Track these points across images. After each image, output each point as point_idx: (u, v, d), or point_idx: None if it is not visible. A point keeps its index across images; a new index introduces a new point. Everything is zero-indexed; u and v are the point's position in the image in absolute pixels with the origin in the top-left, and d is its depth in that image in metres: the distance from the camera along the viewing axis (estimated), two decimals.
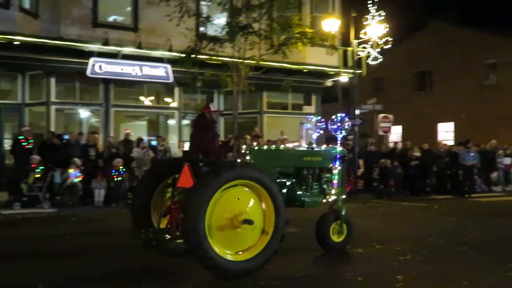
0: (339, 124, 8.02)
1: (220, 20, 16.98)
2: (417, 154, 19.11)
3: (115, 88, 18.10)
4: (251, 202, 6.65)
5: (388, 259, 7.36)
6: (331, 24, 19.88)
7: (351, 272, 6.64)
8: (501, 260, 7.25)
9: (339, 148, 8.10)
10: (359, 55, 21.21)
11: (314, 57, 20.20)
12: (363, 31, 20.96)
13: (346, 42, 21.72)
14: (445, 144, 21.29)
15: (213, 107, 7.56)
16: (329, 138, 8.20)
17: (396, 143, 22.51)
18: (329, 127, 8.13)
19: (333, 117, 8.14)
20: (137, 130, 18.56)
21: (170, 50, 17.66)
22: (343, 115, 8.20)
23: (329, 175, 8.02)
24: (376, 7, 20.70)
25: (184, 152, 8.22)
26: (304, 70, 20.44)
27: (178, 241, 6.67)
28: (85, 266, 7.10)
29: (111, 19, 18.33)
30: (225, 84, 16.61)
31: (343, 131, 8.05)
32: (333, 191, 7.97)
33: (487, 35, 31.80)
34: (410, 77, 35.62)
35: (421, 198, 17.18)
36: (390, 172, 18.25)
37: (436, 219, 12.08)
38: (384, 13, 20.55)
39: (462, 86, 31.68)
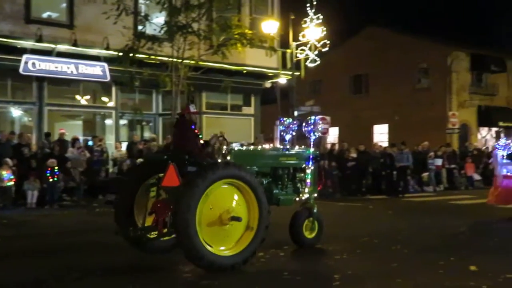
0: (312, 127, 8.35)
1: (159, 19, 16.84)
2: (354, 155, 19.51)
3: (50, 86, 17.57)
4: (237, 199, 6.92)
5: (325, 258, 7.47)
6: (270, 26, 20.07)
7: (288, 271, 6.68)
8: (433, 258, 7.49)
9: (312, 149, 8.42)
10: (297, 57, 21.49)
11: (253, 59, 20.30)
12: (301, 33, 21.26)
13: (285, 44, 21.98)
14: (380, 146, 21.85)
15: (193, 108, 7.64)
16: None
17: (333, 144, 22.90)
18: (303, 129, 8.44)
19: (307, 119, 8.49)
20: (73, 129, 18.07)
21: (107, 48, 17.32)
22: (317, 118, 8.51)
23: (302, 174, 8.33)
24: (314, 11, 21.04)
25: (168, 152, 8.52)
26: (244, 71, 20.51)
27: (164, 238, 7.01)
28: (16, 269, 6.84)
29: (45, 15, 17.81)
30: (164, 84, 16.46)
31: (316, 133, 8.37)
32: (306, 190, 8.29)
33: (419, 41, 32.96)
34: (347, 80, 36.42)
35: (357, 198, 17.53)
36: (328, 173, 18.52)
37: (372, 219, 12.37)
38: (322, 17, 20.91)
39: (396, 89, 32.67)
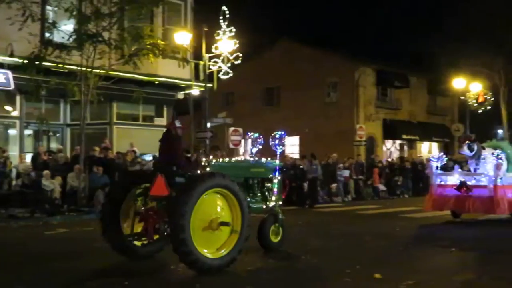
0: (277, 141, 9.26)
1: (68, 26, 16.29)
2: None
3: None
4: (222, 206, 7.60)
5: (238, 270, 7.49)
6: (183, 37, 20.01)
7: (201, 283, 6.64)
8: (340, 266, 7.71)
9: (277, 161, 9.25)
10: (210, 69, 21.56)
11: (166, 69, 20.10)
12: (214, 45, 21.36)
13: (198, 55, 21.98)
14: (291, 158, 22.26)
15: (178, 123, 8.19)
16: None
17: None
18: (270, 142, 9.31)
19: (273, 134, 9.40)
20: None
21: (12, 55, 16.53)
22: (282, 133, 9.40)
23: (269, 184, 9.05)
24: (227, 23, 21.23)
25: (154, 163, 9.06)
26: (156, 82, 20.25)
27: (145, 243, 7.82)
28: None
29: None
30: (72, 93, 15.94)
31: (282, 147, 9.28)
32: (273, 198, 8.99)
33: (329, 56, 34.08)
34: (259, 92, 36.93)
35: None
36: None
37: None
38: (234, 29, 21.13)
39: (307, 102, 33.52)
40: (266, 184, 9.03)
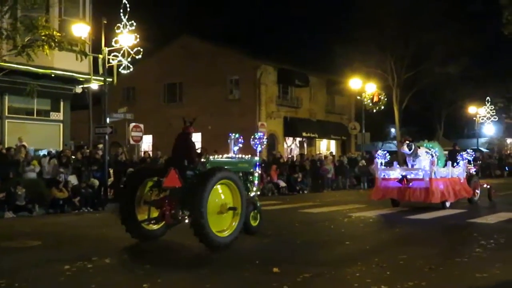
0: (257, 140, 10.99)
1: None
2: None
3: None
4: (227, 194, 9.24)
5: (135, 268, 7.38)
6: (81, 29, 19.29)
7: (96, 283, 6.46)
8: (239, 261, 7.79)
9: (257, 158, 10.82)
10: (110, 63, 20.96)
11: (63, 62, 19.31)
12: (114, 39, 20.79)
13: (97, 49, 21.29)
14: None
15: (192, 128, 9.93)
16: None
17: (146, 152, 22.74)
18: (251, 142, 11.07)
19: (254, 135, 11.13)
20: None
21: None
22: (261, 133, 11.24)
23: (250, 177, 10.49)
24: (127, 17, 20.73)
25: (167, 159, 10.27)
26: (52, 75, 19.39)
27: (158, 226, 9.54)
28: None
29: None
30: None
31: (261, 146, 10.99)
32: (254, 188, 10.52)
33: (231, 53, 34.30)
34: (161, 88, 36.48)
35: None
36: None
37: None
38: (135, 23, 20.67)
39: (209, 99, 33.53)
40: (248, 177, 10.42)
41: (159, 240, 9.61)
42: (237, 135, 11.12)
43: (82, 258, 7.78)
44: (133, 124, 22.20)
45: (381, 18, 32.20)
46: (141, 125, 22.22)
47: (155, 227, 9.58)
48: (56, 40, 15.62)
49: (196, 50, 34.27)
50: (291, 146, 37.08)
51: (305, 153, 32.70)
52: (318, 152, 34.39)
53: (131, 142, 22.13)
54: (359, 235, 10.75)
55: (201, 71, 33.73)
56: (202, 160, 9.55)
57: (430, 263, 7.61)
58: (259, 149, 10.82)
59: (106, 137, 19.20)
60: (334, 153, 33.24)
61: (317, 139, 38.59)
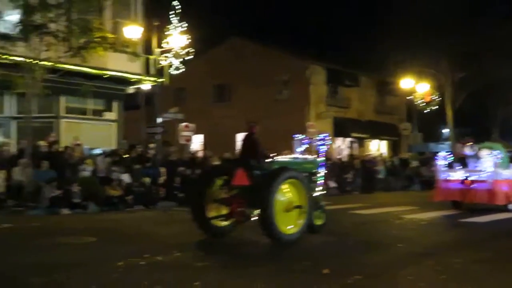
0: (322, 142, 10.88)
1: (12, 17, 15.81)
2: (217, 163, 19.68)
3: None
4: (294, 192, 9.57)
5: (187, 266, 7.44)
6: (133, 31, 19.71)
7: (149, 280, 6.56)
8: (288, 263, 7.76)
9: (322, 158, 10.80)
10: (161, 64, 21.32)
11: (115, 63, 19.75)
12: (165, 40, 21.13)
13: (148, 50, 21.68)
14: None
15: (257, 129, 10.23)
16: None
17: (194, 152, 22.96)
18: (314, 143, 11.15)
19: (318, 136, 11.06)
20: None
21: None
22: (326, 134, 11.04)
23: (315, 177, 10.60)
24: (178, 18, 21.03)
25: (235, 159, 11.09)
26: (105, 76, 19.86)
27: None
28: None
29: None
30: (17, 85, 15.49)
31: (324, 146, 10.90)
32: (318, 188, 10.57)
33: (280, 53, 34.26)
34: (210, 88, 36.79)
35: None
36: (191, 180, 18.51)
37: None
38: (186, 25, 20.95)
39: (258, 99, 33.59)
40: (312, 177, 10.52)
41: (218, 238, 9.90)
42: (302, 136, 11.60)
43: (135, 255, 7.91)
44: (183, 124, 22.47)
45: (436, 16, 31.44)
46: (191, 125, 22.46)
47: (225, 223, 9.97)
48: (109, 41, 16.02)
49: (245, 50, 34.41)
50: (340, 147, 36.74)
51: (355, 153, 32.33)
52: (368, 153, 33.96)
53: (181, 141, 22.39)
54: (411, 238, 10.52)
55: (250, 71, 33.84)
56: (269, 160, 9.97)
57: (487, 268, 7.39)
58: (323, 149, 10.93)
59: (158, 136, 19.56)
60: (385, 154, 32.75)
61: (367, 140, 38.12)
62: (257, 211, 9.18)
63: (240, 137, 34.89)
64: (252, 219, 9.47)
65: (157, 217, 14.36)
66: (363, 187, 24.30)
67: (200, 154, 22.20)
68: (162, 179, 17.97)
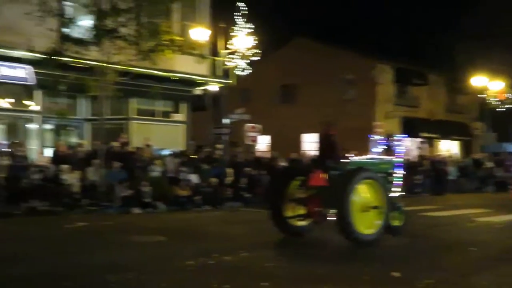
0: (399, 142, 11.25)
1: (86, 22, 16.39)
2: (283, 163, 19.73)
3: None
4: (370, 192, 9.50)
5: (255, 266, 7.47)
6: (200, 33, 20.02)
7: (218, 280, 6.62)
8: (359, 265, 7.64)
9: (398, 158, 10.77)
10: (227, 65, 21.54)
11: (183, 65, 20.14)
12: (231, 42, 21.34)
13: (215, 51, 21.97)
14: (305, 153, 22.20)
15: (334, 130, 10.29)
16: None
17: (261, 153, 23.05)
18: (390, 143, 11.37)
19: (394, 136, 11.45)
20: None
21: (31, 50, 16.63)
22: (405, 135, 10.40)
23: (391, 177, 10.42)
24: (244, 20, 21.19)
25: (312, 159, 10.97)
26: (173, 78, 20.28)
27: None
28: None
29: None
30: (90, 88, 16.05)
31: (402, 147, 11.15)
32: (395, 189, 10.36)
33: (346, 53, 33.86)
34: (276, 89, 36.82)
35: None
36: (257, 180, 18.63)
37: None
38: (252, 26, 21.08)
39: (324, 99, 33.30)
40: (388, 178, 10.39)
41: (295, 237, 9.99)
42: (378, 137, 11.83)
43: (203, 254, 8.01)
44: (250, 124, 22.61)
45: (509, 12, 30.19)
46: (258, 125, 22.57)
47: (302, 223, 10.08)
48: (177, 44, 16.34)
49: (311, 51, 34.21)
50: (409, 147, 35.87)
51: (425, 154, 31.50)
52: (438, 153, 33.02)
53: (247, 142, 22.54)
54: (484, 241, 10.14)
55: (316, 71, 33.62)
56: (345, 160, 10.08)
57: None
58: (400, 150, 11.05)
59: (225, 137, 19.78)
60: (456, 154, 31.74)
61: (437, 140, 37.05)
62: (333, 211, 9.24)
63: (306, 137, 35.13)
64: (329, 219, 9.50)
65: (224, 217, 14.53)
66: (433, 189, 23.64)
67: (266, 154, 22.26)
68: (229, 180, 18.15)
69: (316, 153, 10.55)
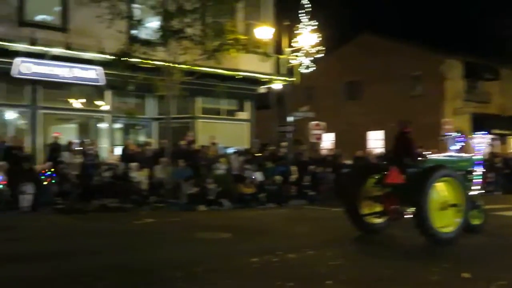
0: (480, 140, 11.34)
1: (153, 23, 16.80)
2: (348, 161, 19.54)
3: (44, 89, 17.43)
4: (449, 191, 9.40)
5: (319, 264, 7.43)
6: (264, 32, 20.09)
7: (282, 277, 6.64)
8: (426, 264, 7.46)
9: (479, 156, 10.81)
10: (291, 63, 21.51)
11: (247, 64, 20.28)
12: (295, 39, 21.30)
13: (279, 50, 21.99)
14: (371, 151, 21.87)
15: (409, 127, 10.31)
16: None
17: (325, 151, 22.88)
18: (470, 141, 11.17)
19: (467, 133, 11.25)
20: (67, 133, 17.97)
21: (102, 52, 17.23)
22: (486, 132, 10.14)
23: (469, 175, 10.36)
24: (308, 17, 21.10)
25: (388, 157, 11.10)
26: (238, 77, 20.46)
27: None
28: (8, 272, 6.76)
29: (38, 18, 17.68)
30: (158, 88, 16.44)
31: (483, 145, 10.69)
32: (473, 187, 10.34)
33: (412, 48, 33.04)
34: (341, 86, 36.46)
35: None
36: (322, 178, 18.53)
37: None
38: (316, 23, 20.95)
39: (390, 96, 32.70)
40: (468, 176, 10.31)
41: (372, 234, 10.08)
42: (456, 134, 11.76)
43: (268, 252, 8.04)
44: (314, 122, 22.50)
45: None
46: (322, 123, 22.42)
47: (378, 221, 10.12)
48: (241, 43, 16.46)
49: (376, 47, 33.64)
50: (480, 144, 34.63)
51: (497, 151, 30.34)
52: (511, 150, 31.71)
53: (312, 140, 22.44)
54: None
55: (382, 68, 33.03)
56: (423, 158, 10.06)
57: None
58: (481, 147, 10.88)
59: (289, 135, 19.77)
60: None
61: (509, 136, 35.60)
62: (411, 209, 9.16)
63: (372, 135, 34.61)
64: (406, 217, 9.44)
65: (289, 214, 14.53)
66: (506, 187, 22.73)
67: (331, 152, 22.09)
68: (293, 178, 18.14)
69: (392, 151, 10.42)
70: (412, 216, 9.09)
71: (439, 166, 9.50)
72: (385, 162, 11.48)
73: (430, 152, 10.81)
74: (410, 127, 10.37)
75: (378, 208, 10.01)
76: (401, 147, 10.12)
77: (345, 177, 16.30)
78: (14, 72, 16.28)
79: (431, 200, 8.98)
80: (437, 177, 9.15)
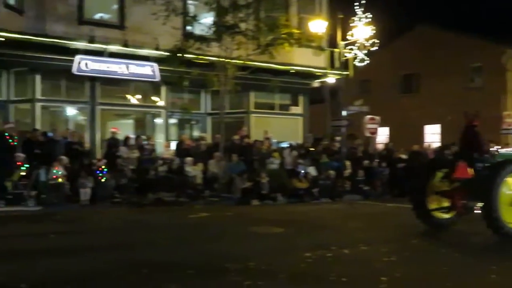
0: None
1: (207, 19, 16.97)
2: (403, 156, 19.19)
3: (102, 86, 17.93)
4: None
5: (373, 260, 7.36)
6: (318, 25, 19.95)
7: (335, 273, 6.61)
8: (485, 262, 7.27)
9: None
10: (345, 56, 21.28)
11: (301, 58, 20.20)
12: (350, 32, 21.04)
13: (333, 43, 21.78)
14: (428, 146, 21.40)
15: (477, 121, 10.15)
16: None
17: (380, 145, 22.55)
18: None
19: None
20: (124, 128, 18.42)
21: (157, 48, 17.54)
22: None
23: None
24: (362, 9, 20.80)
25: (456, 152, 11.09)
26: (291, 71, 20.40)
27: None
28: (69, 265, 7.00)
29: (97, 16, 18.19)
30: (212, 83, 16.60)
31: None
32: None
33: (471, 39, 32.05)
34: (396, 79, 35.78)
35: (406, 199, 17.18)
36: (376, 173, 18.30)
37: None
38: (371, 15, 20.64)
39: (448, 89, 31.86)
40: None
41: (440, 230, 10.00)
42: None
43: (321, 247, 8.02)
44: (369, 116, 22.19)
45: None
46: (377, 117, 22.09)
47: (446, 216, 10.02)
48: (295, 37, 16.41)
49: (433, 39, 32.81)
50: None
51: None
52: None
53: (367, 134, 22.14)
54: None
55: (439, 60, 32.20)
56: (492, 152, 10.12)
57: None
58: None
59: (343, 129, 19.59)
60: None
61: None
62: (480, 204, 9.06)
63: (429, 128, 33.85)
64: (475, 212, 9.38)
65: (342, 209, 14.43)
66: None
67: (385, 146, 21.75)
68: (347, 172, 17.98)
69: (459, 145, 10.34)
70: (480, 211, 8.98)
71: (509, 160, 9.34)
72: (450, 157, 11.36)
73: (500, 147, 10.41)
74: (478, 120, 10.18)
75: (446, 203, 9.91)
76: (469, 141, 9.98)
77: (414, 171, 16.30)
78: (74, 70, 16.79)
79: (501, 195, 8.84)
80: (508, 172, 8.99)
